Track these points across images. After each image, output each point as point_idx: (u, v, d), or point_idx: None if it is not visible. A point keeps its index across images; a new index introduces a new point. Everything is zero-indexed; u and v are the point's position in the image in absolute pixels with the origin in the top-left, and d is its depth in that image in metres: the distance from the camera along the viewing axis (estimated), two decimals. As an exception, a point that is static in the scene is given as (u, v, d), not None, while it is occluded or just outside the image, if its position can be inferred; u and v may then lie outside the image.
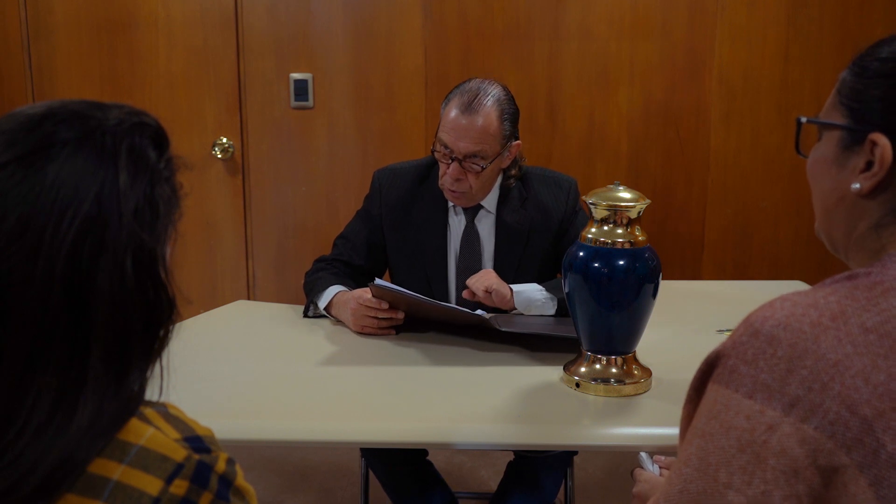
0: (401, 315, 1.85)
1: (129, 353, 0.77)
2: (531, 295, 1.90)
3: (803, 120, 0.97)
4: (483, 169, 1.92)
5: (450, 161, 1.92)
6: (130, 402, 0.77)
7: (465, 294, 1.88)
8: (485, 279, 1.87)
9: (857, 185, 0.87)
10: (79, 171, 0.74)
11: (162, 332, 0.80)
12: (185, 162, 0.85)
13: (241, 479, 0.80)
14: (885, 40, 0.90)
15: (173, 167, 0.83)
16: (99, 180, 0.75)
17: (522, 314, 1.90)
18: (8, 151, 0.74)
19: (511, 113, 1.94)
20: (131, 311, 0.76)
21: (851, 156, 0.89)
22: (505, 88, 1.95)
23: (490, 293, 1.84)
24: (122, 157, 0.77)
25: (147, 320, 0.78)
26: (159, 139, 0.82)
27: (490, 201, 2.03)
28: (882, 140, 0.85)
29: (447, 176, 1.93)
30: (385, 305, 1.83)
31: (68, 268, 0.72)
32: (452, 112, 1.89)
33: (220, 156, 3.13)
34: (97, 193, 0.74)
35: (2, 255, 0.71)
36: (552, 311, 1.90)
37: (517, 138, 1.98)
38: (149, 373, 0.80)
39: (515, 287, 1.90)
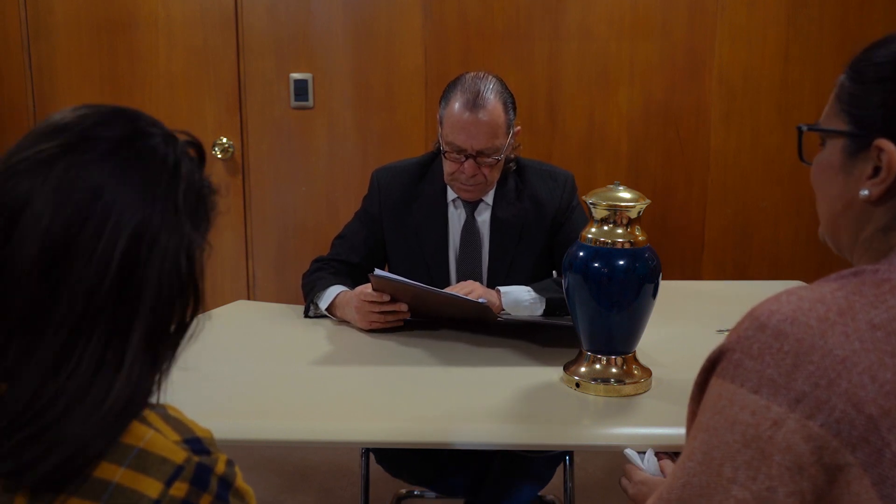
0: (404, 308, 1.85)
1: (163, 342, 0.80)
2: (519, 295, 1.91)
3: (804, 128, 0.96)
4: (498, 161, 1.94)
5: (463, 160, 1.92)
6: (145, 393, 0.79)
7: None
8: (469, 292, 1.87)
9: (866, 192, 0.87)
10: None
11: (190, 326, 0.84)
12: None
13: (240, 481, 0.81)
14: (879, 43, 0.89)
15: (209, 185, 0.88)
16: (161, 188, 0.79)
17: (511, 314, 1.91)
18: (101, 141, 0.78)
19: (511, 102, 1.97)
20: (173, 301, 0.80)
21: (857, 162, 0.88)
22: (499, 78, 1.97)
23: None
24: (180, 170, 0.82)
25: (183, 312, 0.82)
26: (201, 155, 0.87)
27: (489, 195, 2.04)
28: (888, 146, 0.84)
29: (462, 174, 1.94)
30: (387, 298, 1.83)
31: (126, 253, 0.76)
32: (458, 111, 1.90)
33: (220, 156, 3.13)
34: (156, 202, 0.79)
35: (70, 227, 0.74)
36: (540, 312, 1.91)
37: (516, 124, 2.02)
38: (166, 367, 0.82)
39: (503, 288, 1.91)
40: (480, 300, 1.80)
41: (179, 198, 0.79)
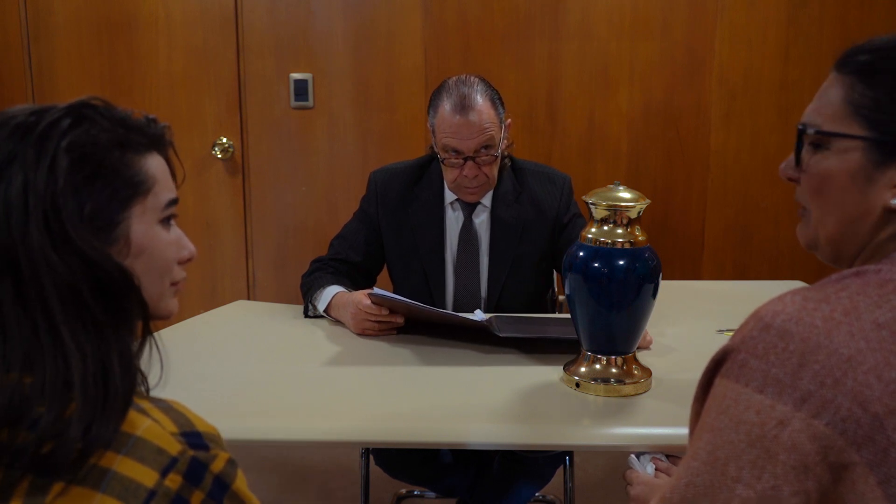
0: (400, 319, 1.85)
1: (94, 307, 0.77)
2: None
3: (811, 131, 0.90)
4: (496, 157, 1.96)
5: (462, 162, 1.93)
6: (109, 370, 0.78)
7: None
8: None
9: None
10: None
11: (119, 292, 0.79)
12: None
13: (240, 484, 0.79)
14: (892, 42, 0.87)
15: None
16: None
17: (522, 316, 1.90)
18: None
19: (498, 98, 1.99)
20: (64, 260, 0.76)
21: (884, 170, 0.84)
22: (481, 78, 2.00)
23: None
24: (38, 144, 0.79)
25: (93, 282, 0.77)
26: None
27: (486, 196, 2.05)
28: None
29: (465, 177, 1.95)
30: (385, 311, 1.83)
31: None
32: (449, 115, 1.92)
33: (220, 156, 3.13)
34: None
35: None
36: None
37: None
38: (129, 343, 0.80)
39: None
40: (480, 319, 1.79)
41: (28, 150, 0.77)
